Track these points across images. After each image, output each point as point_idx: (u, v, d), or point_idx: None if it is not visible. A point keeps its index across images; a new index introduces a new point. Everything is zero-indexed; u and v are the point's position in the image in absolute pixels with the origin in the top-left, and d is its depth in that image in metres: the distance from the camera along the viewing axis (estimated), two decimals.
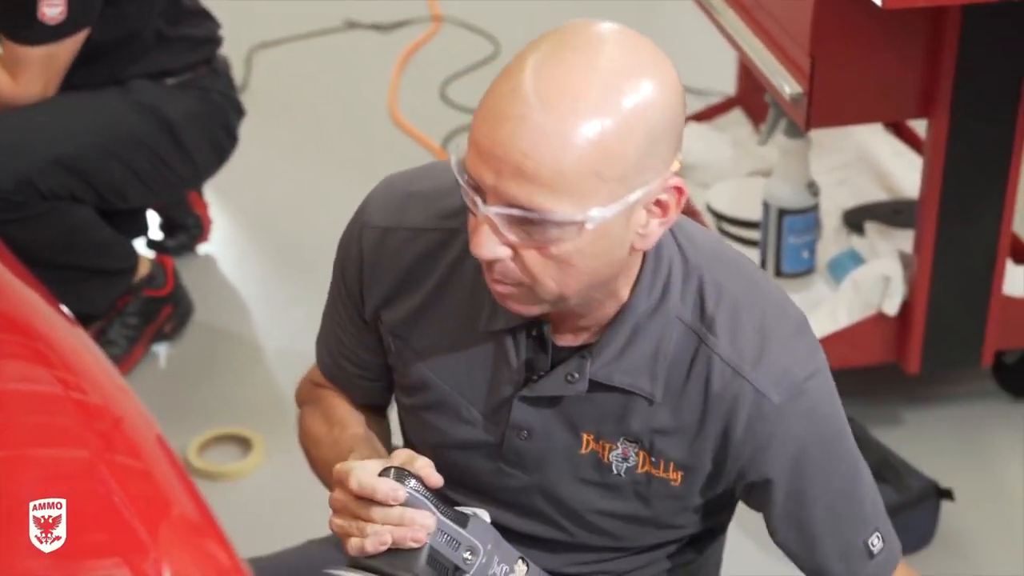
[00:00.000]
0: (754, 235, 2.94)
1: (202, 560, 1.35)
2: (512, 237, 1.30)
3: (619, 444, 1.45)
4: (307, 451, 1.65)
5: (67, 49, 2.75)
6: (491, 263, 1.33)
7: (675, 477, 1.46)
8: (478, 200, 1.30)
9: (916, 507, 2.47)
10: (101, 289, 3.00)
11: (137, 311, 3.04)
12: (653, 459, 1.45)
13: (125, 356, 3.01)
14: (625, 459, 1.45)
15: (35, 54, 2.72)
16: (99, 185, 2.87)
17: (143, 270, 3.06)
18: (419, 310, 1.49)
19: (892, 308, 2.62)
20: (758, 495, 1.49)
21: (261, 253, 3.47)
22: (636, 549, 1.57)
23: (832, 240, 2.95)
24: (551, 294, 1.34)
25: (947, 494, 2.49)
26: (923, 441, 2.73)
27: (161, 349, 3.12)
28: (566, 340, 1.44)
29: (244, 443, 2.81)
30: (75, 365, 1.54)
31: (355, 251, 1.52)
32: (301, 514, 2.33)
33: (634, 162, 1.28)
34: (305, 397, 1.69)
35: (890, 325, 2.64)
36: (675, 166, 1.33)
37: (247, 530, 2.48)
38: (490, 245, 1.31)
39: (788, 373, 1.41)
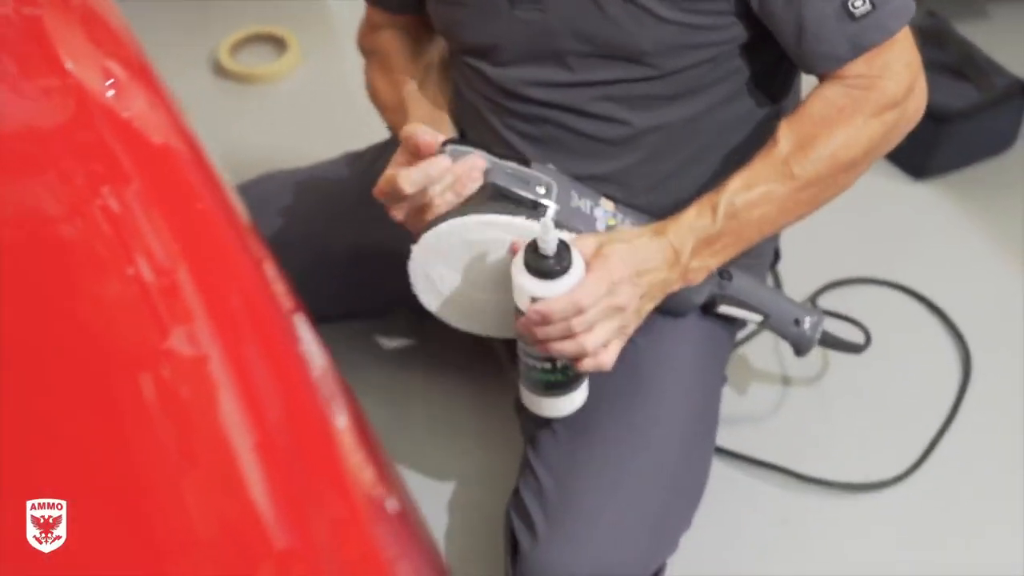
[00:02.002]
0: None
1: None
2: None
3: None
4: (379, 111, 1.60)
5: None
6: None
7: None
8: None
9: (1000, 106, 2.33)
10: None
11: None
12: None
13: None
14: None
15: None
16: None
17: None
18: None
19: None
20: None
21: None
22: (688, 85, 1.43)
23: None
24: None
25: None
26: (1010, 36, 2.56)
27: None
28: None
29: (278, 43, 2.64)
30: None
31: None
32: (341, 118, 2.22)
33: None
34: (365, 46, 1.65)
35: None
36: None
37: (283, 135, 2.37)
38: None
39: None
